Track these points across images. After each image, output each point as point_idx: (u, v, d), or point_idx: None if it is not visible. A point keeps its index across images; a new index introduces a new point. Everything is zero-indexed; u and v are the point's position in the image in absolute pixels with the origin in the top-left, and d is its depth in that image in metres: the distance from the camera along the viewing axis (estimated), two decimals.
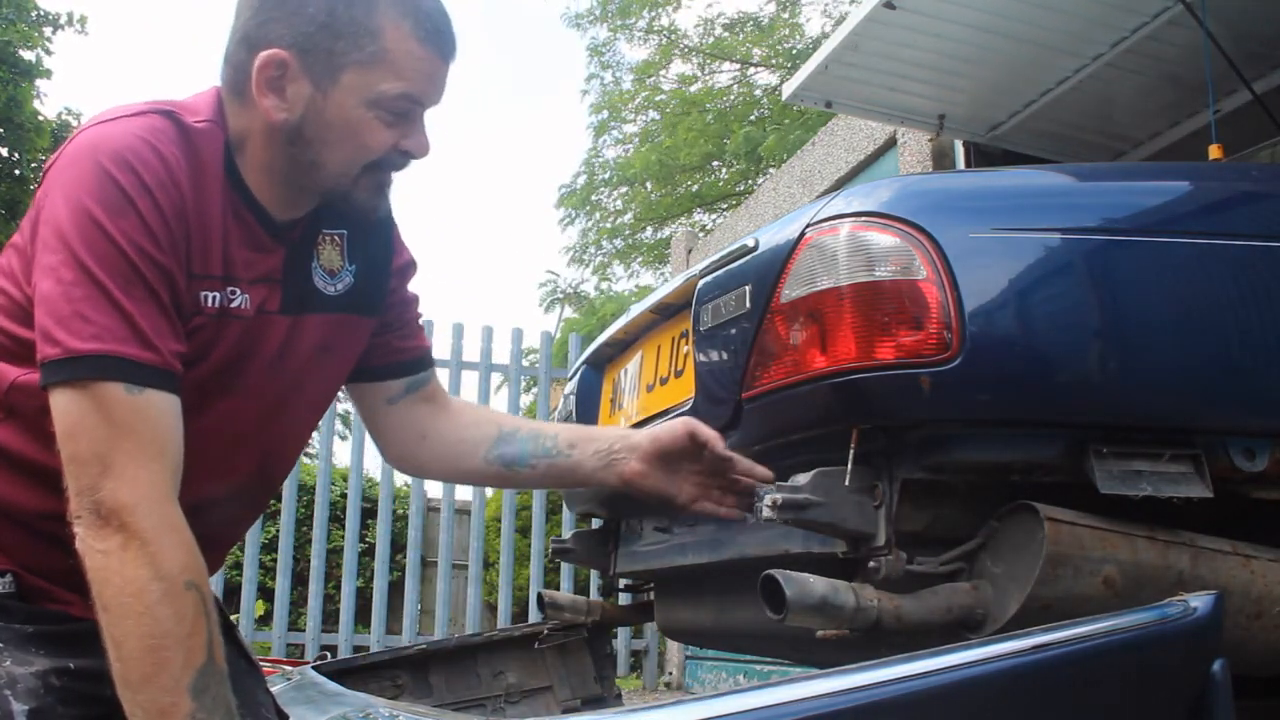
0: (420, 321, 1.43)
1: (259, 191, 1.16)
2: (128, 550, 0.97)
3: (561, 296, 15.69)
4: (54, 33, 10.79)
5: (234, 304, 1.14)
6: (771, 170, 10.56)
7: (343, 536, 5.38)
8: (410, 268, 1.39)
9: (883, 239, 1.21)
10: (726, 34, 14.38)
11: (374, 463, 8.61)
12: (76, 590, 1.14)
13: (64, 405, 1.01)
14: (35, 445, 1.10)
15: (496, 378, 5.38)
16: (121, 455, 0.99)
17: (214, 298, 1.12)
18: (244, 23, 1.14)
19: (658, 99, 14.81)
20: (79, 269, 1.01)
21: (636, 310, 1.86)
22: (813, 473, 1.18)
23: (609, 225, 15.11)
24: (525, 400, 7.81)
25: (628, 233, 15.05)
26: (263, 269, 1.18)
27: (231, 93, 1.16)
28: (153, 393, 1.03)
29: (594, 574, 5.16)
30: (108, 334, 1.01)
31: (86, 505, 0.98)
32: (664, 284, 1.87)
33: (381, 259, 1.33)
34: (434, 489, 5.97)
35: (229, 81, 1.16)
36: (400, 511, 7.12)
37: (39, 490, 1.11)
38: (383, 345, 1.36)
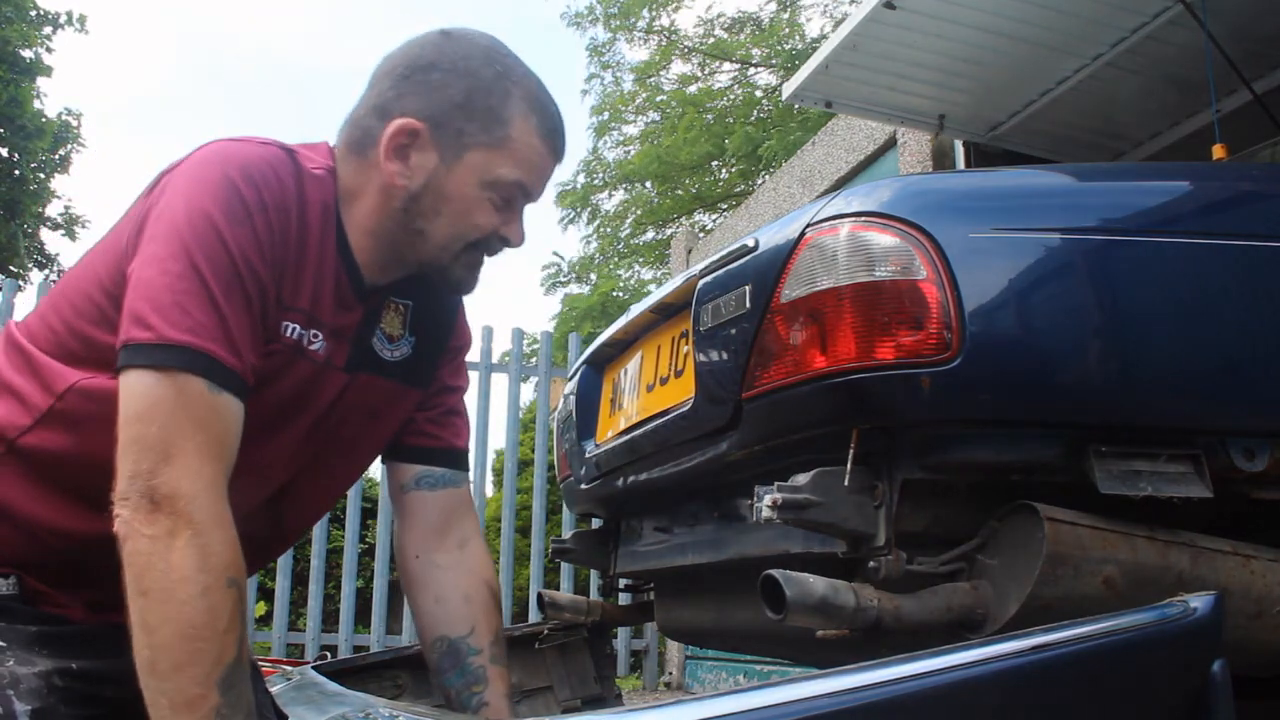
0: (461, 425, 1.41)
1: (357, 250, 1.20)
2: (177, 538, 0.98)
3: (565, 280, 15.65)
4: (54, 32, 10.78)
5: (312, 346, 1.18)
6: (772, 170, 10.56)
7: (343, 536, 5.38)
8: (464, 349, 1.42)
9: (883, 239, 1.21)
10: (726, 35, 14.38)
11: (374, 462, 8.59)
12: (77, 595, 1.14)
13: (142, 388, 1.02)
14: (67, 456, 1.11)
15: (497, 377, 5.37)
16: (189, 446, 1.01)
17: (294, 329, 1.16)
18: (381, 93, 1.20)
19: (658, 99, 14.80)
20: (188, 264, 1.04)
21: (636, 310, 1.86)
22: (813, 473, 1.18)
23: (609, 232, 15.09)
24: (525, 398, 7.81)
25: (627, 234, 15.02)
26: (340, 323, 1.21)
27: (351, 152, 1.20)
28: (229, 396, 1.05)
29: (594, 574, 5.16)
30: (202, 330, 1.03)
31: (139, 488, 0.99)
32: (664, 284, 1.87)
33: (441, 336, 1.36)
34: None
35: (352, 141, 1.21)
36: None
37: (55, 504, 1.12)
38: (408, 421, 1.36)
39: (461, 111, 1.18)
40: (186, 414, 1.01)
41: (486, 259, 1.26)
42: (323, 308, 1.18)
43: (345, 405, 1.25)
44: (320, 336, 1.18)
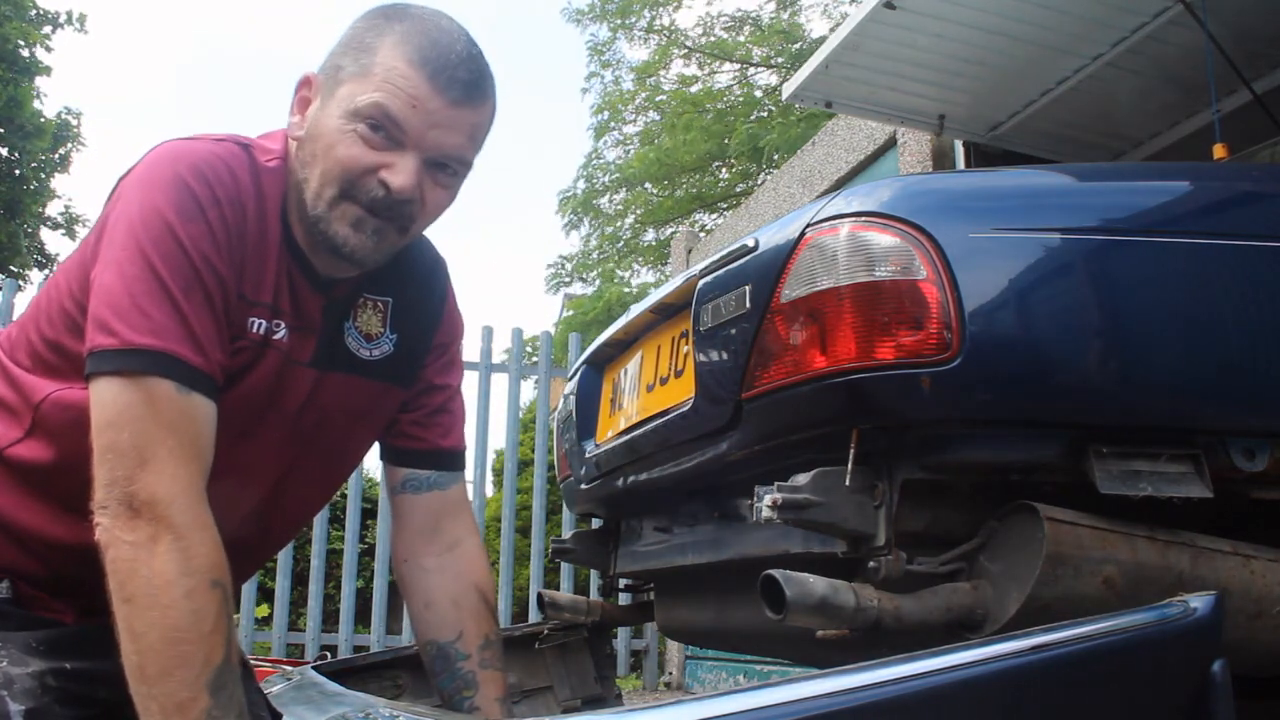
0: (450, 424, 1.37)
1: (301, 238, 1.18)
2: (159, 543, 0.97)
3: (569, 280, 15.65)
4: (53, 31, 10.77)
5: (277, 335, 1.16)
6: (773, 164, 10.56)
7: (343, 537, 5.37)
8: (452, 345, 1.38)
9: (883, 239, 1.21)
10: (726, 35, 14.37)
11: (374, 463, 8.60)
12: (69, 600, 1.15)
13: (110, 395, 1.01)
14: (52, 466, 1.11)
15: (497, 377, 5.37)
16: (163, 450, 1.00)
17: (260, 324, 1.14)
18: None
19: (658, 99, 14.80)
20: (145, 265, 1.03)
21: (636, 310, 1.86)
22: (813, 473, 1.18)
23: (610, 231, 15.09)
24: (525, 398, 7.81)
25: (628, 236, 15.02)
26: (301, 315, 1.19)
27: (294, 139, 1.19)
28: (198, 396, 1.04)
29: (594, 574, 5.15)
30: (165, 332, 1.02)
31: (117, 495, 0.98)
32: (664, 284, 1.87)
33: (425, 331, 1.33)
34: None
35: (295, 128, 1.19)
36: None
37: (44, 513, 1.12)
38: (393, 423, 1.34)
39: (341, 54, 1.14)
40: (157, 418, 1.01)
41: (384, 222, 1.13)
42: (284, 300, 1.17)
43: (322, 406, 1.23)
44: (282, 325, 1.16)
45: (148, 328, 1.02)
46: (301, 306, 1.19)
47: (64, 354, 1.11)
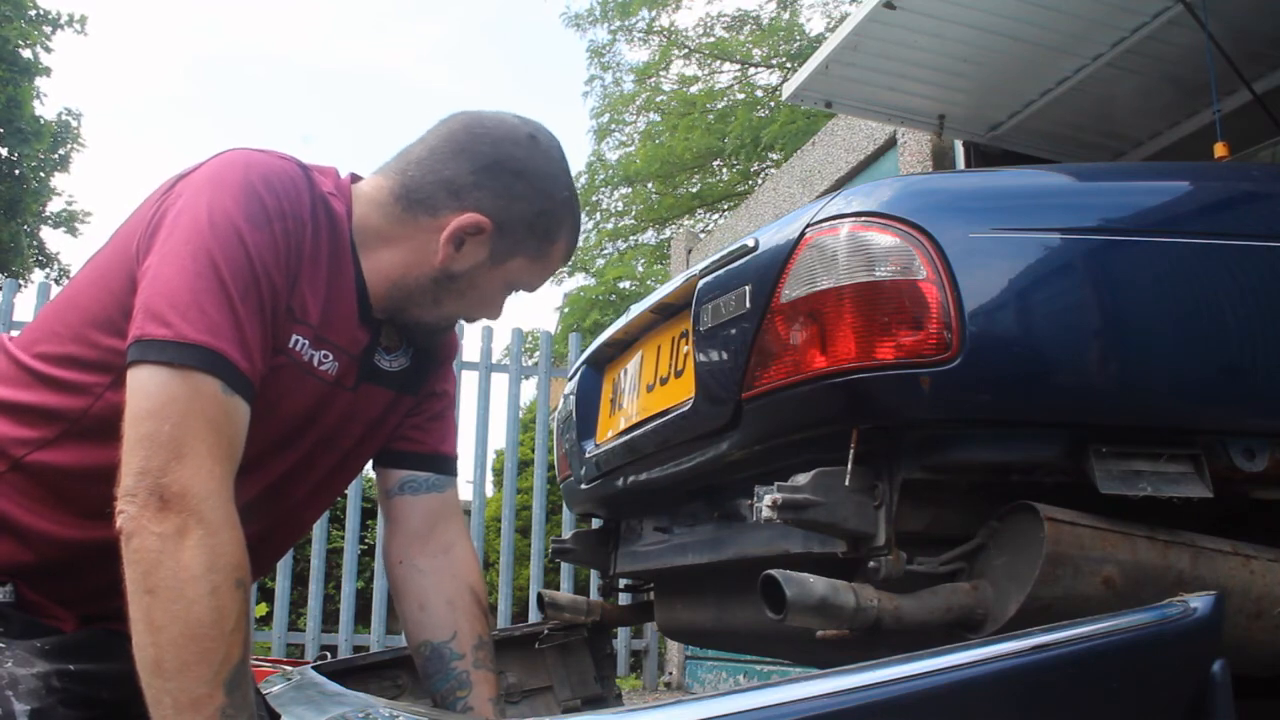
0: (446, 430, 1.43)
1: (370, 285, 1.23)
2: (187, 537, 0.97)
3: (569, 268, 15.63)
4: (53, 32, 10.77)
5: (323, 367, 1.19)
6: (773, 168, 10.55)
7: (343, 537, 5.37)
8: (452, 355, 1.45)
9: (883, 239, 1.21)
10: (727, 34, 14.37)
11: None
12: (71, 608, 1.15)
13: (156, 384, 1.01)
14: (72, 472, 1.11)
15: (497, 377, 5.36)
16: (201, 446, 1.00)
17: (303, 344, 1.16)
18: (458, 173, 1.22)
19: (658, 99, 14.78)
20: (208, 263, 1.04)
21: (636, 310, 1.86)
22: (813, 473, 1.18)
23: (610, 228, 15.07)
24: (525, 398, 7.80)
25: (629, 236, 15.01)
26: (352, 347, 1.23)
27: (398, 201, 1.22)
28: (239, 400, 1.05)
29: (594, 574, 5.15)
30: (220, 332, 1.03)
31: (148, 485, 0.98)
32: (664, 284, 1.87)
33: (436, 345, 1.39)
34: None
35: (404, 194, 1.22)
36: None
37: (54, 516, 1.12)
38: (395, 426, 1.38)
39: (527, 228, 1.25)
40: (201, 414, 1.01)
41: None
42: (333, 328, 1.20)
43: (347, 417, 1.26)
44: (331, 357, 1.20)
45: (205, 325, 1.02)
46: (351, 336, 1.23)
47: (98, 348, 1.11)
